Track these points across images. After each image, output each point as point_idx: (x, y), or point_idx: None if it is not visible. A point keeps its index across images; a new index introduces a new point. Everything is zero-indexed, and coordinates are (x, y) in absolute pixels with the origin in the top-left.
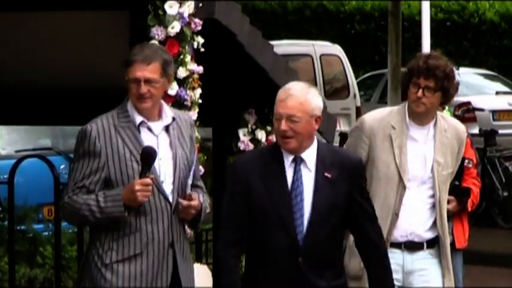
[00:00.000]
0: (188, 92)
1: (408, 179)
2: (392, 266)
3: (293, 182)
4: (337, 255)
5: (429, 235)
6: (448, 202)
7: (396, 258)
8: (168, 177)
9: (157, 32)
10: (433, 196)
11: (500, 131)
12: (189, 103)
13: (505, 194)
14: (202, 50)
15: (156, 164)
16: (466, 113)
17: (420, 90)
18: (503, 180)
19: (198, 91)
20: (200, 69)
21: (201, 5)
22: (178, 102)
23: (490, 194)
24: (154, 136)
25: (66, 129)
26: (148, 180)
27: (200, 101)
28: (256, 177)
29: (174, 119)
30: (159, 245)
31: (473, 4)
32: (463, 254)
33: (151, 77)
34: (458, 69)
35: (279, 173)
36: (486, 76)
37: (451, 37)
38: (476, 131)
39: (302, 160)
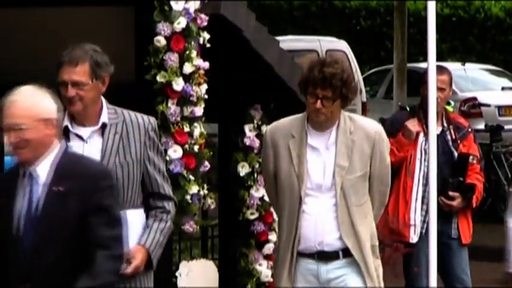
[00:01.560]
0: (194, 87)
1: (311, 188)
2: (308, 277)
3: (27, 199)
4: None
5: (343, 245)
6: (453, 199)
7: (310, 268)
8: None
9: (163, 28)
10: (337, 204)
11: (506, 127)
12: (194, 99)
13: (511, 189)
14: (208, 45)
15: None
16: (472, 109)
17: (318, 101)
18: (509, 175)
19: (204, 87)
20: (206, 64)
21: (206, 0)
22: (184, 98)
23: (496, 189)
24: (82, 142)
25: None
26: None
27: (206, 96)
28: None
29: (107, 124)
30: None
31: (478, 0)
32: (468, 249)
33: (78, 79)
34: (464, 64)
35: (8, 191)
36: (492, 72)
37: (457, 33)
38: (482, 126)
39: (31, 174)
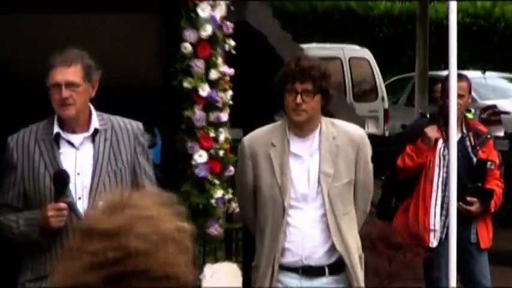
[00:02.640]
0: (219, 93)
1: (295, 198)
2: None
3: None
4: None
5: (331, 259)
6: (472, 204)
7: (293, 283)
8: (87, 193)
9: (190, 35)
10: (325, 214)
11: None
12: (220, 104)
13: None
14: (233, 52)
15: (72, 178)
16: (492, 116)
17: (298, 96)
18: None
19: (229, 93)
20: (231, 71)
21: (232, 8)
22: (209, 104)
23: None
24: (74, 149)
25: None
26: (61, 205)
27: (231, 102)
28: None
29: (98, 129)
30: None
31: (499, 9)
32: (489, 254)
33: (73, 79)
34: (484, 73)
35: None
36: (508, 78)
37: (477, 41)
38: (501, 133)
39: None
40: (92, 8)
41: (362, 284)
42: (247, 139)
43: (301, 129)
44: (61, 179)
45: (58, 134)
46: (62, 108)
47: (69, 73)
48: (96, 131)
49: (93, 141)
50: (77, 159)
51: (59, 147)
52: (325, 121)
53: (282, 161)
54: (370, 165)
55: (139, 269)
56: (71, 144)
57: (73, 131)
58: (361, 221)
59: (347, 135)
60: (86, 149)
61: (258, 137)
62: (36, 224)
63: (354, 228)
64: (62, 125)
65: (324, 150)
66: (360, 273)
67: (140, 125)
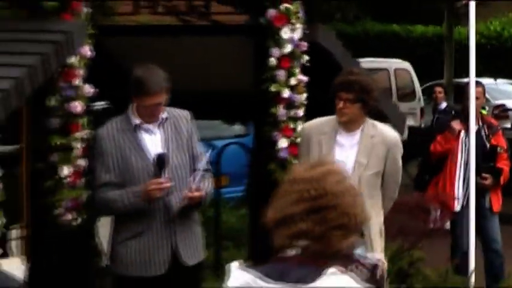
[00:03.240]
0: (297, 95)
1: None
2: None
3: None
4: None
5: None
6: (486, 179)
7: None
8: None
9: (275, 52)
10: None
11: None
12: (297, 104)
13: None
14: (307, 64)
15: (153, 154)
16: (501, 112)
17: (342, 102)
18: None
19: (304, 95)
20: (305, 78)
21: (306, 31)
22: (289, 103)
23: None
24: (151, 135)
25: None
26: (162, 181)
27: (305, 102)
28: None
29: (165, 118)
30: (156, 222)
31: (507, 32)
32: (499, 217)
33: (161, 101)
34: (496, 80)
35: None
36: None
37: (490, 56)
38: (508, 125)
39: None
40: (206, 31)
41: (378, 251)
42: (306, 125)
43: (346, 126)
44: (161, 159)
45: (137, 125)
46: (152, 119)
47: (161, 97)
48: (163, 119)
49: (163, 127)
50: (152, 141)
51: (139, 135)
52: (368, 123)
53: (329, 146)
54: (399, 162)
55: (330, 204)
56: (147, 131)
57: (148, 122)
58: (389, 205)
59: (382, 137)
60: (158, 134)
61: (313, 126)
62: (139, 195)
63: (376, 209)
64: (140, 118)
65: (362, 145)
66: (376, 242)
67: (189, 112)
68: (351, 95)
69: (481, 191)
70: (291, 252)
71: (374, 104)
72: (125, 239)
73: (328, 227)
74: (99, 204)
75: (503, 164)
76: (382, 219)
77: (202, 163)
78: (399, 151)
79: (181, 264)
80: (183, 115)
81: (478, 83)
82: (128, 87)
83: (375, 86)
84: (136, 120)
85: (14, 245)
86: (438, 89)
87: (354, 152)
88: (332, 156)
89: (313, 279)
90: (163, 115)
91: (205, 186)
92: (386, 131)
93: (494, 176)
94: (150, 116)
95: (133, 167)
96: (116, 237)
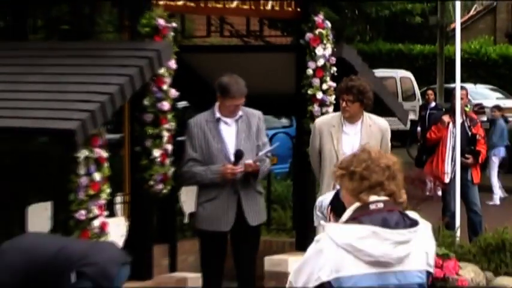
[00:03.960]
0: (328, 97)
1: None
2: None
3: None
4: None
5: None
6: (468, 158)
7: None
8: (232, 150)
9: (311, 64)
10: None
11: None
12: (328, 103)
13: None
14: (335, 74)
15: (227, 141)
16: (480, 109)
17: (344, 102)
18: None
19: (333, 96)
20: (334, 84)
21: (335, 49)
22: (322, 103)
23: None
24: (228, 126)
25: None
26: (237, 169)
27: (334, 101)
28: None
29: (240, 116)
30: (227, 192)
31: (484, 49)
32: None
33: (239, 103)
34: (475, 85)
35: None
36: (491, 89)
37: (472, 68)
38: (485, 119)
39: None
40: (260, 49)
41: None
42: (317, 121)
43: (349, 120)
44: (239, 154)
45: (219, 118)
46: (233, 113)
47: (241, 100)
48: (239, 116)
49: (238, 122)
50: (229, 132)
51: (219, 126)
52: (365, 115)
53: (338, 135)
54: (389, 144)
55: (382, 179)
56: (226, 123)
57: (227, 117)
58: None
59: (377, 125)
60: (233, 126)
61: (324, 120)
62: (217, 174)
63: None
64: (221, 113)
65: (363, 132)
66: None
67: (260, 112)
68: (351, 96)
69: (464, 168)
70: (372, 206)
71: (370, 102)
72: (202, 202)
73: (398, 186)
74: (186, 173)
75: (481, 148)
76: None
77: (264, 151)
78: (389, 135)
79: (246, 224)
80: (255, 114)
81: (462, 88)
82: (215, 89)
83: (370, 88)
84: (218, 115)
85: (118, 208)
86: (429, 91)
87: (358, 138)
88: (340, 142)
89: (408, 222)
90: (240, 113)
91: (263, 164)
92: (380, 121)
93: (474, 157)
94: (229, 113)
95: (213, 149)
96: (197, 201)
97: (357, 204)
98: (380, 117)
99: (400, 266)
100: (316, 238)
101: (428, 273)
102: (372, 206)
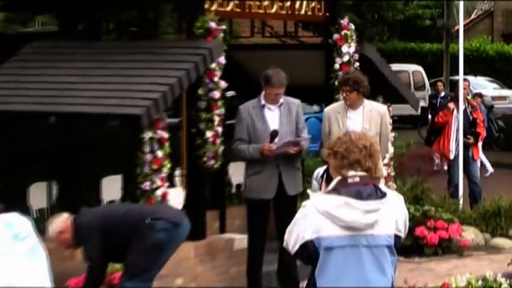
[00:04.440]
0: None
1: None
2: None
3: None
4: None
5: None
6: (469, 139)
7: None
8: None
9: (338, 60)
10: None
11: (495, 106)
12: None
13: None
14: (358, 68)
15: (270, 123)
16: (479, 97)
17: (344, 93)
18: (494, 128)
19: None
20: None
21: (358, 47)
22: None
23: (491, 134)
24: (272, 112)
25: None
26: (273, 146)
27: None
28: None
29: (282, 103)
30: (271, 164)
31: (483, 47)
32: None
33: (280, 92)
34: (476, 77)
35: None
36: (489, 81)
37: (472, 63)
38: (483, 106)
39: None
40: (295, 47)
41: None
42: (326, 108)
43: (351, 107)
44: (274, 134)
45: (264, 105)
46: (274, 101)
47: (281, 89)
48: (280, 103)
49: (280, 108)
50: (272, 116)
51: (264, 111)
52: (366, 102)
53: (343, 120)
54: (388, 125)
55: (359, 158)
56: (270, 109)
57: (271, 104)
58: (383, 152)
59: (377, 110)
60: (276, 112)
61: (332, 108)
62: (257, 151)
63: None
64: (265, 101)
65: (365, 117)
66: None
67: (299, 100)
68: (348, 87)
69: (466, 146)
70: (350, 180)
71: (365, 89)
72: (250, 175)
73: (374, 163)
74: (233, 151)
75: (480, 130)
76: (381, 165)
77: (303, 133)
78: (388, 118)
79: (285, 194)
80: (294, 102)
81: (465, 79)
82: (257, 81)
83: (364, 78)
84: (263, 102)
85: (177, 180)
86: (439, 83)
87: (360, 122)
88: (345, 126)
89: (379, 194)
90: (281, 101)
91: (303, 144)
92: (379, 106)
93: (474, 137)
94: (271, 101)
95: (258, 130)
96: (245, 174)
97: (338, 178)
98: (380, 104)
99: (370, 230)
100: (303, 204)
101: (398, 237)
102: (350, 180)
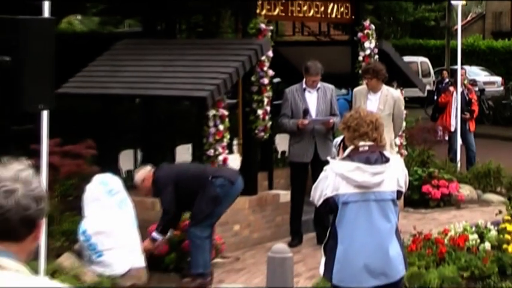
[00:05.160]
0: None
1: None
2: None
3: None
4: None
5: None
6: (466, 115)
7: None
8: (313, 109)
9: (361, 53)
10: None
11: (486, 89)
12: None
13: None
14: (377, 60)
15: (310, 104)
16: (473, 84)
17: (366, 80)
18: (485, 107)
19: None
20: None
21: (377, 43)
22: None
23: (482, 112)
24: (311, 94)
25: None
26: (305, 121)
27: None
28: None
29: (319, 87)
30: (308, 135)
31: (476, 43)
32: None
33: (317, 79)
34: (470, 66)
35: None
36: (481, 69)
37: (468, 56)
38: (477, 89)
39: None
40: (328, 44)
41: (388, 149)
42: (355, 90)
43: (372, 90)
44: (305, 112)
45: (305, 88)
46: (313, 86)
47: (317, 76)
48: (317, 88)
49: (317, 91)
50: (311, 98)
51: (305, 93)
52: (384, 88)
53: (364, 100)
54: (402, 108)
55: (367, 130)
56: (309, 92)
57: (310, 88)
58: (398, 130)
59: (392, 95)
60: (314, 94)
61: (358, 89)
62: (294, 125)
63: (389, 131)
64: (306, 85)
65: (381, 99)
66: (388, 146)
67: (333, 86)
68: (369, 75)
69: (463, 121)
70: (360, 148)
71: (383, 76)
72: (292, 144)
73: (379, 134)
74: (279, 123)
75: (475, 108)
76: (392, 136)
77: (335, 111)
78: (401, 103)
79: (319, 158)
80: (329, 86)
81: (462, 68)
82: (299, 70)
83: (382, 67)
84: (304, 86)
85: (234, 148)
86: (444, 72)
87: (376, 103)
88: (365, 105)
89: (384, 159)
90: (318, 85)
91: (332, 121)
92: (394, 92)
93: (470, 114)
94: (310, 86)
95: (299, 109)
96: (289, 143)
97: (351, 147)
98: (395, 90)
99: (377, 188)
100: (324, 168)
101: (399, 192)
102: (360, 149)
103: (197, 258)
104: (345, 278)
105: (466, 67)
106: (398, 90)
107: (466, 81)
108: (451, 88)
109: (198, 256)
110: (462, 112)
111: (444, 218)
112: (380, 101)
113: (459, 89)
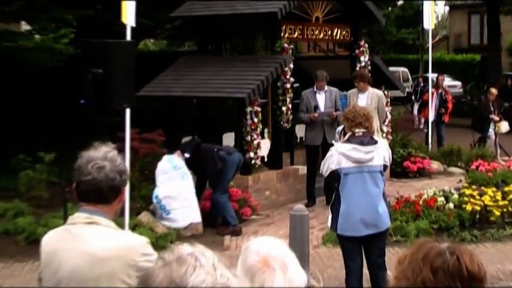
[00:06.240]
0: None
1: None
2: None
3: None
4: None
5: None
6: (442, 110)
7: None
8: (322, 106)
9: (358, 65)
10: None
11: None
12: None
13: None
14: (370, 70)
15: (319, 102)
16: (450, 87)
17: (356, 83)
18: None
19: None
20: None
21: (370, 57)
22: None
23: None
24: (320, 95)
25: None
26: (315, 115)
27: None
28: None
29: (326, 90)
30: (319, 125)
31: (442, 56)
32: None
33: (324, 84)
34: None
35: None
36: (446, 76)
37: (436, 67)
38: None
39: None
40: (333, 58)
41: (376, 134)
42: (349, 92)
43: (361, 91)
44: (316, 107)
45: (315, 91)
46: (321, 89)
47: (324, 82)
48: (325, 90)
49: (325, 93)
50: (321, 98)
51: (316, 95)
52: (370, 89)
53: (356, 99)
54: (384, 104)
55: (361, 121)
56: (319, 93)
57: (319, 90)
58: (382, 119)
59: (376, 93)
60: (322, 95)
61: (352, 91)
62: (308, 117)
63: (376, 122)
64: (316, 88)
65: (369, 98)
66: (375, 133)
67: (337, 89)
68: (357, 79)
69: (440, 115)
70: (356, 134)
71: (368, 80)
72: (308, 131)
73: (370, 123)
74: (298, 117)
75: (449, 105)
76: (378, 123)
77: (338, 107)
78: (384, 99)
79: (327, 142)
80: (334, 89)
81: (441, 75)
82: (312, 77)
83: (366, 73)
84: (315, 89)
85: (266, 135)
86: (420, 78)
87: (366, 100)
88: (356, 103)
89: (373, 142)
90: (325, 88)
91: (335, 114)
92: (377, 91)
93: (445, 109)
94: (319, 89)
95: (311, 106)
96: (305, 131)
97: (349, 133)
98: (379, 90)
99: (369, 162)
100: (330, 148)
101: (385, 165)
102: (356, 134)
103: (226, 214)
104: (346, 229)
105: (435, 75)
106: (381, 92)
107: (444, 85)
108: (432, 89)
109: (225, 213)
110: (439, 108)
111: (419, 185)
112: (368, 98)
113: (430, 91)
